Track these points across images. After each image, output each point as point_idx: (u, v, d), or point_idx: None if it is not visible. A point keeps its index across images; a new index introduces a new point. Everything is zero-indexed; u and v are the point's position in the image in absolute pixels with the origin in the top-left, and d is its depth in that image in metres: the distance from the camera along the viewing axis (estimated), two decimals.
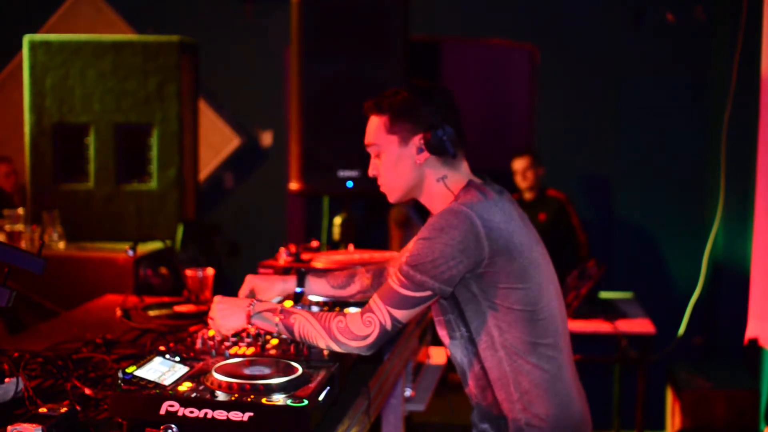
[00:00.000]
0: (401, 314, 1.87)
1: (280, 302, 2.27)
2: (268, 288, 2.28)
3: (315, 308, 2.34)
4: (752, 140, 3.55)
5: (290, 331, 1.93)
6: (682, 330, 4.42)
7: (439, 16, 5.46)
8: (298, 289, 2.33)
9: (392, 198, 2.08)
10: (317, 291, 2.36)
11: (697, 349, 5.23)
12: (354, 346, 1.87)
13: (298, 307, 2.09)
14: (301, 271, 2.34)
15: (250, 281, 2.28)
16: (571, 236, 5.06)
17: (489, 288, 1.91)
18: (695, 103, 5.27)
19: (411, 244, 2.30)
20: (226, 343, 2.02)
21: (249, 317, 1.97)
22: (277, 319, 1.94)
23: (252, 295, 2.28)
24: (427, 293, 1.87)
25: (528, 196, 5.13)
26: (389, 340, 1.91)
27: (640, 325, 4.39)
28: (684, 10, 5.18)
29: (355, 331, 1.87)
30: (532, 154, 5.10)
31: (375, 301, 1.89)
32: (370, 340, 1.87)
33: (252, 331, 2.09)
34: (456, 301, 1.95)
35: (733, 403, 4.44)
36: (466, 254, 1.86)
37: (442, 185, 2.01)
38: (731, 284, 4.75)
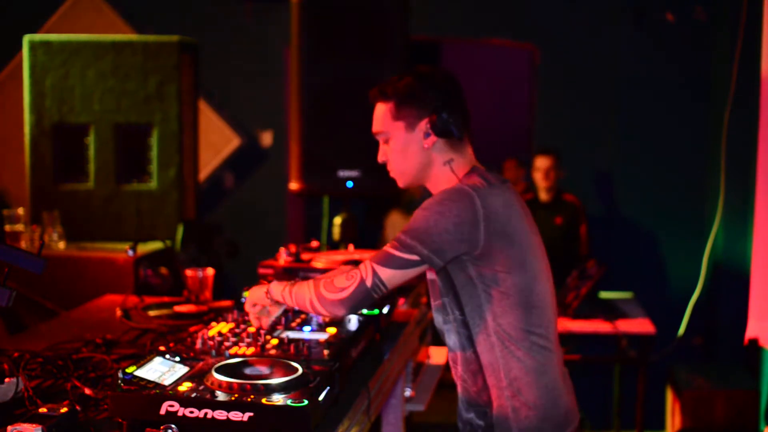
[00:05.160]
0: (384, 273, 1.90)
1: None
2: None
3: None
4: (752, 140, 3.55)
5: (290, 295, 2.01)
6: (682, 330, 4.42)
7: (439, 16, 5.46)
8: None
9: (401, 183, 2.10)
10: None
11: (697, 349, 5.24)
12: (330, 299, 1.92)
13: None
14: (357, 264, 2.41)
15: None
16: (576, 243, 5.03)
17: (486, 272, 1.92)
18: (695, 103, 5.27)
19: None
20: (226, 343, 2.02)
21: (268, 291, 2.08)
22: (284, 286, 2.03)
23: None
24: (414, 257, 1.89)
25: (544, 196, 5.07)
26: (366, 301, 1.91)
27: (640, 325, 4.40)
28: (684, 10, 5.18)
29: (337, 283, 1.92)
30: (556, 154, 5.02)
31: (364, 261, 1.94)
32: (346, 294, 1.90)
33: (252, 330, 2.10)
34: (452, 283, 1.96)
35: (733, 403, 4.44)
36: (460, 229, 1.88)
37: (448, 169, 2.03)
38: (731, 284, 4.76)
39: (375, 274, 1.89)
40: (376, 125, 2.07)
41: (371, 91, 2.08)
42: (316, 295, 1.94)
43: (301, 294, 1.98)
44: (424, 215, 1.90)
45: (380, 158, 2.10)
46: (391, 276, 1.90)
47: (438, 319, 2.05)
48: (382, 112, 2.06)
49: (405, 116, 2.02)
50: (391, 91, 2.03)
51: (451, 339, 2.03)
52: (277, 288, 2.06)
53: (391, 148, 2.06)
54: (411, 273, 1.91)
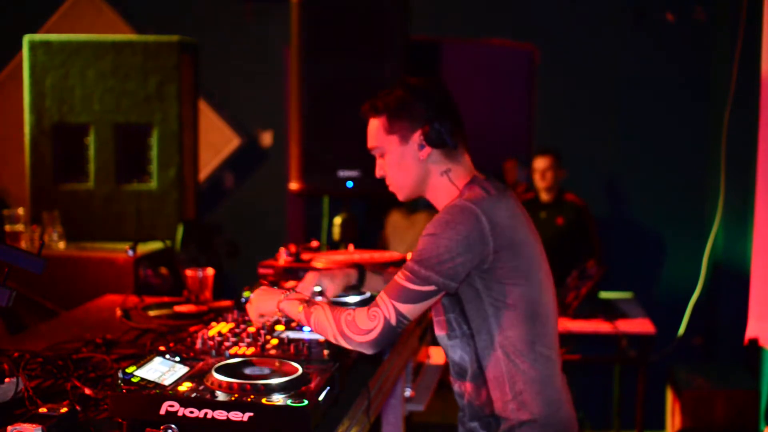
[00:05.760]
0: (406, 309, 1.87)
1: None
2: (333, 285, 2.29)
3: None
4: (752, 140, 3.55)
5: (307, 320, 1.96)
6: (682, 330, 4.42)
7: (439, 16, 5.46)
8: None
9: (401, 196, 2.10)
10: (374, 286, 2.40)
11: (697, 349, 5.23)
12: (358, 341, 1.88)
13: (319, 298, 2.13)
14: (361, 267, 2.38)
15: (314, 277, 2.27)
16: (584, 244, 5.01)
17: (493, 284, 1.91)
18: (695, 103, 5.27)
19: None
20: (226, 343, 2.02)
21: (279, 304, 2.03)
22: (300, 308, 1.98)
23: (319, 292, 2.28)
24: (432, 288, 1.87)
25: (545, 197, 5.04)
26: (394, 338, 1.90)
27: (640, 325, 4.39)
28: (684, 10, 5.18)
29: (361, 325, 1.88)
30: (555, 154, 4.99)
31: (381, 297, 1.90)
32: (373, 335, 1.87)
33: (252, 330, 2.10)
34: (458, 299, 1.95)
35: (733, 403, 4.44)
36: (470, 249, 1.87)
37: (446, 179, 2.03)
38: (731, 284, 4.75)
39: (397, 311, 1.87)
40: (371, 141, 2.07)
41: (362, 107, 2.08)
42: (340, 334, 1.90)
43: (322, 325, 1.93)
44: (433, 241, 1.88)
45: (378, 173, 2.10)
46: (411, 310, 1.88)
47: (440, 334, 2.04)
48: (375, 127, 2.05)
49: (398, 129, 2.01)
50: (382, 105, 2.03)
51: (456, 354, 2.02)
52: (292, 308, 2.01)
53: (387, 163, 2.06)
54: (430, 302, 1.90)
